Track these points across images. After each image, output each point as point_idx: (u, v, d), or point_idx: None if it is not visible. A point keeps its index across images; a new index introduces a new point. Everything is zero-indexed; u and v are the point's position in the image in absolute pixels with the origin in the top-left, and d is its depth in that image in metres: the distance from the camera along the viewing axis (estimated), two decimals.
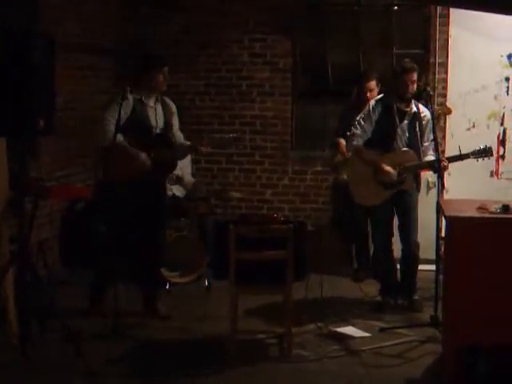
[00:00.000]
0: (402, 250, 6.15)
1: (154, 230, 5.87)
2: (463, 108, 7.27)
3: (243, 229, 5.11)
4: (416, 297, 6.15)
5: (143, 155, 5.62)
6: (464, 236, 4.39)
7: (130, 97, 5.67)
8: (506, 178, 7.52)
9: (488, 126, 7.50)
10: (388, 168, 5.92)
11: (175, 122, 5.99)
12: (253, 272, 5.05)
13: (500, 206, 4.52)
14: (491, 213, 4.48)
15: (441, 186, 5.60)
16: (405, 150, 5.95)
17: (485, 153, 5.77)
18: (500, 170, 7.52)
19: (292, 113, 8.21)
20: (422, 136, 5.92)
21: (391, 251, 6.23)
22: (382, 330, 5.60)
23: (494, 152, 7.37)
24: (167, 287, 6.64)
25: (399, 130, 5.95)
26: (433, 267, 5.78)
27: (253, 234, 5.09)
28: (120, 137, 5.55)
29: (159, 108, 5.86)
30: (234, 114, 8.24)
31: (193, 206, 7.16)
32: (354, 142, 6.08)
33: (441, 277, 5.33)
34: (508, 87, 7.48)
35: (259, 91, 8.19)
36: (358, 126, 6.04)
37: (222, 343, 5.20)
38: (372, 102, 6.08)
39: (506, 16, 7.09)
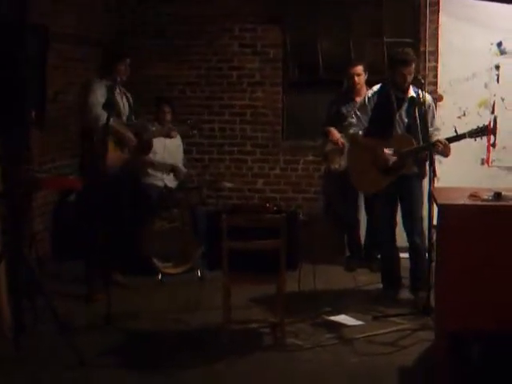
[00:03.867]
0: (408, 242, 6.04)
1: (119, 208, 6.21)
2: (454, 96, 7.27)
3: (236, 219, 5.11)
4: (421, 294, 5.82)
5: (130, 134, 6.05)
6: (456, 224, 4.39)
7: (102, 83, 5.99)
8: (497, 166, 7.54)
9: (479, 114, 7.51)
10: (386, 153, 5.87)
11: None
12: (245, 262, 5.05)
13: (492, 193, 4.53)
14: (483, 200, 4.48)
15: (432, 174, 5.61)
16: (402, 135, 5.89)
17: (481, 132, 5.65)
18: (491, 157, 7.54)
19: (283, 102, 8.22)
20: (424, 121, 5.79)
21: (394, 241, 6.13)
22: (374, 318, 5.62)
23: (485, 141, 7.47)
24: (160, 278, 6.66)
25: (398, 117, 5.89)
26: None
27: (245, 224, 5.09)
28: (112, 119, 5.81)
29: (123, 96, 6.21)
30: (225, 104, 8.24)
31: (184, 197, 7.16)
32: (350, 131, 6.07)
33: (433, 265, 5.35)
34: (498, 75, 7.49)
35: (250, 81, 8.18)
36: (353, 116, 6.04)
37: (216, 333, 5.21)
38: (369, 92, 6.05)
39: (497, 4, 7.10)
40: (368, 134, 6.01)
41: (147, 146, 6.40)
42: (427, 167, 5.70)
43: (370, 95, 6.01)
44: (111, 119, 5.72)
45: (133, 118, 6.33)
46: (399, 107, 5.89)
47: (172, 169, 7.26)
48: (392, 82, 5.91)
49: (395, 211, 6.11)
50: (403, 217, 6.05)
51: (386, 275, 6.26)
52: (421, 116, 5.78)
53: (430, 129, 5.88)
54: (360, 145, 6.07)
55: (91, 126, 5.88)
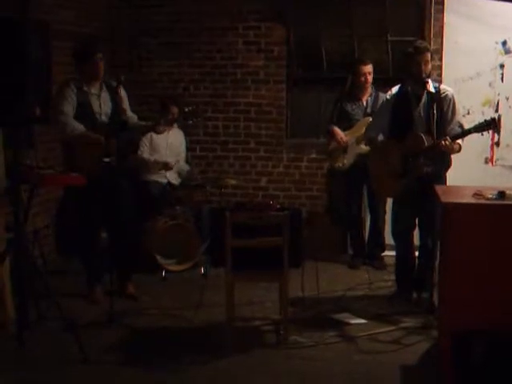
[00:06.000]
0: (420, 241, 5.93)
1: (119, 212, 5.99)
2: (458, 95, 7.17)
3: (239, 216, 5.12)
4: (425, 295, 5.79)
5: (101, 138, 5.75)
6: (460, 222, 4.38)
7: (73, 87, 5.84)
8: (501, 165, 7.53)
9: (483, 113, 7.48)
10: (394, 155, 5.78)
11: (126, 105, 6.13)
12: (249, 259, 5.05)
13: (496, 192, 4.52)
14: (487, 199, 4.48)
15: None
16: (415, 135, 5.65)
17: (487, 126, 5.42)
18: (495, 156, 7.53)
19: (287, 100, 8.21)
20: (444, 117, 5.66)
21: (411, 244, 6.00)
22: (377, 316, 5.62)
23: (489, 139, 7.47)
24: (163, 275, 6.67)
25: (416, 114, 5.72)
26: None
27: (249, 221, 5.10)
28: (80, 126, 5.76)
29: (105, 94, 5.96)
30: (229, 102, 8.23)
31: (188, 194, 7.16)
32: (369, 134, 6.06)
33: (436, 263, 5.35)
34: (503, 74, 7.48)
35: (254, 79, 8.18)
36: (373, 118, 6.00)
37: (219, 330, 5.22)
38: (389, 93, 5.95)
39: (502, 3, 7.09)
40: (389, 135, 5.91)
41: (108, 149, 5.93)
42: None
43: (388, 97, 5.95)
44: (80, 126, 5.74)
45: (126, 112, 6.13)
46: (417, 103, 5.74)
47: (164, 166, 7.22)
48: (410, 78, 5.77)
49: (414, 213, 5.90)
50: (419, 217, 5.89)
51: (400, 277, 6.10)
52: (441, 112, 5.64)
53: (450, 125, 5.70)
54: (377, 149, 6.03)
55: (63, 134, 5.87)
